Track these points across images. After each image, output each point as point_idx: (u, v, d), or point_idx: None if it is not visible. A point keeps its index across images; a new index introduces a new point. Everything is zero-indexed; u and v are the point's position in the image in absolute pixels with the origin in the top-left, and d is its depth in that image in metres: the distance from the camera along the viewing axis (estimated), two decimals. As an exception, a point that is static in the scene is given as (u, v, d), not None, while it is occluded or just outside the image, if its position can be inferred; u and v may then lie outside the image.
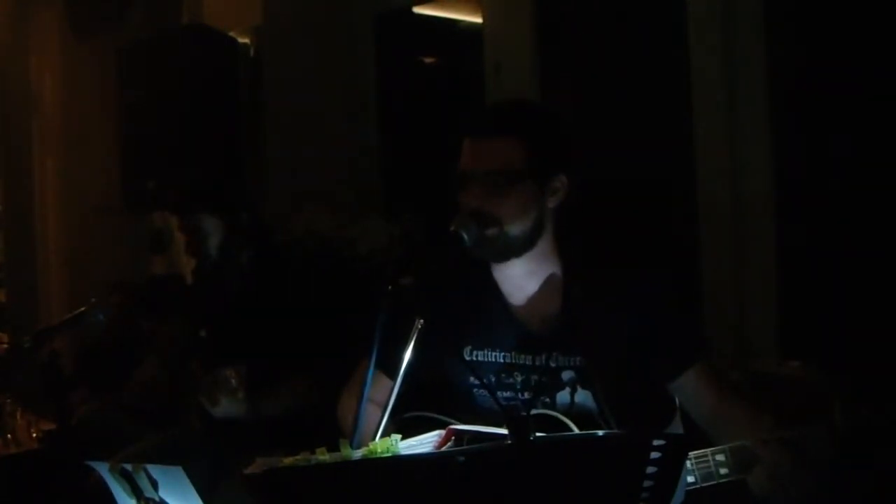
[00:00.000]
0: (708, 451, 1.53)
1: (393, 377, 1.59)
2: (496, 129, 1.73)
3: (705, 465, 1.52)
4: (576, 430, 1.57)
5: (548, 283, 1.79)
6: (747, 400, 1.74)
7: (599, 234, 2.79)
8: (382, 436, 1.45)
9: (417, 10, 3.64)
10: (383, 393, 1.61)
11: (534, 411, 1.64)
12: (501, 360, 1.78)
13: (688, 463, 1.51)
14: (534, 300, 1.80)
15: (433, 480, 1.12)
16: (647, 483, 1.13)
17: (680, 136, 2.68)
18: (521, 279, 1.80)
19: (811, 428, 1.51)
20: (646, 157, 2.85)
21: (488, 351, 1.80)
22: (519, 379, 1.77)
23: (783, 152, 2.53)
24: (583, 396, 1.73)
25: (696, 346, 1.78)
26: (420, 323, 1.60)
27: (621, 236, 2.84)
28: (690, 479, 1.52)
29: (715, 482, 1.52)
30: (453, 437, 1.43)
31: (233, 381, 2.31)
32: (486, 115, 1.85)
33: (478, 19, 3.36)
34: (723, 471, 1.52)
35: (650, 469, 1.12)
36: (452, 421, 1.62)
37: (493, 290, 1.82)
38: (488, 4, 3.28)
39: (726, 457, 1.52)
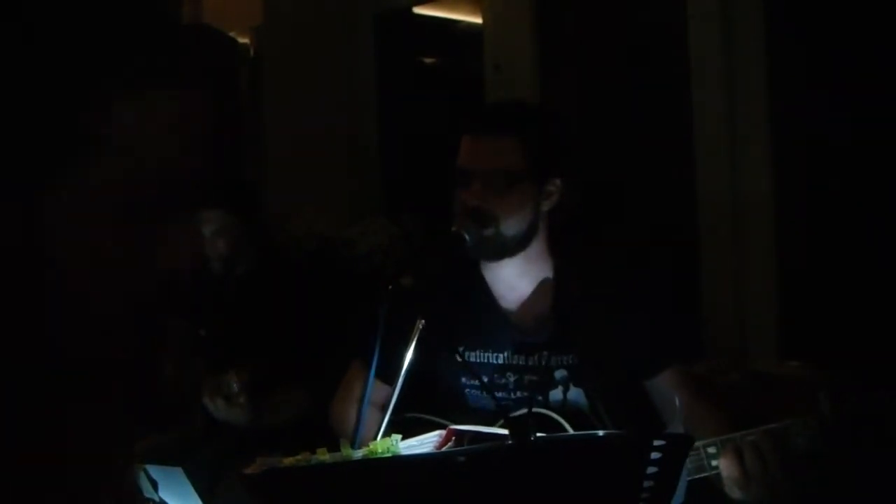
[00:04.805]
0: (699, 443, 1.54)
1: (386, 378, 1.59)
2: (498, 128, 1.73)
3: (696, 457, 1.53)
4: (569, 429, 1.58)
5: (540, 284, 1.80)
6: (722, 414, 1.74)
7: (599, 234, 2.80)
8: (383, 437, 1.46)
9: (417, 10, 3.63)
10: (377, 393, 1.61)
11: (525, 410, 1.65)
12: (495, 361, 1.79)
13: None
14: (526, 300, 1.81)
15: (433, 480, 1.12)
16: (647, 483, 1.13)
17: (680, 136, 2.68)
18: (512, 279, 1.80)
19: (798, 419, 1.52)
20: (646, 156, 2.85)
21: (481, 352, 1.80)
22: (512, 379, 1.77)
23: (783, 152, 2.53)
24: (575, 394, 1.75)
25: (675, 351, 1.78)
26: (421, 323, 1.60)
27: (621, 236, 2.84)
28: None
29: (706, 474, 1.53)
30: (454, 438, 1.43)
31: (234, 385, 2.28)
32: (488, 114, 1.85)
33: (478, 19, 3.36)
34: (714, 463, 1.53)
35: (650, 469, 1.12)
36: (445, 423, 1.63)
37: (485, 291, 1.82)
38: (488, 4, 3.27)
39: (717, 449, 1.53)
